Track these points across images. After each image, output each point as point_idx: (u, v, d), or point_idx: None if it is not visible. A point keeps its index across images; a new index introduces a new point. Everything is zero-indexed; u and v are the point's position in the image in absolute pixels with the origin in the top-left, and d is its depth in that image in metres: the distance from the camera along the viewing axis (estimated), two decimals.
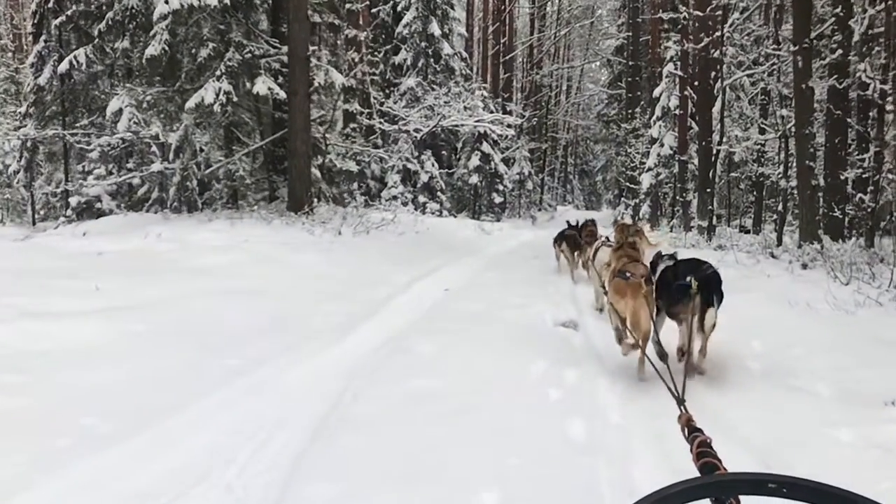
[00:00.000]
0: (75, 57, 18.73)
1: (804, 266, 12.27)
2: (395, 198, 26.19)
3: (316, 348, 6.26)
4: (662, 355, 4.98)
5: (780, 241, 14.11)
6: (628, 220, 14.35)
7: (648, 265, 6.37)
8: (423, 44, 28.31)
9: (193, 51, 17.06)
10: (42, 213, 24.83)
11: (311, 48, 18.87)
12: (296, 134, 16.84)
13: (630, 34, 33.03)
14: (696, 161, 22.18)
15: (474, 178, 28.48)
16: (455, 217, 26.63)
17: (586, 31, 45.44)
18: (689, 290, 5.36)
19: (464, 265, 12.77)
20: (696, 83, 19.87)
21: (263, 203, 18.84)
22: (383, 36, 30.82)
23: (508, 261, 13.96)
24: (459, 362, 5.82)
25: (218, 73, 16.35)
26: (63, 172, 22.59)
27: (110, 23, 17.61)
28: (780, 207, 14.54)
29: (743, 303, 8.25)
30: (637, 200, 28.33)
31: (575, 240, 11.63)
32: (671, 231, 21.54)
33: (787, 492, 0.97)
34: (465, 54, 32.67)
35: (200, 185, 18.10)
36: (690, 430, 1.60)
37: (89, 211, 19.38)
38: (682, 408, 1.91)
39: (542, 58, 42.06)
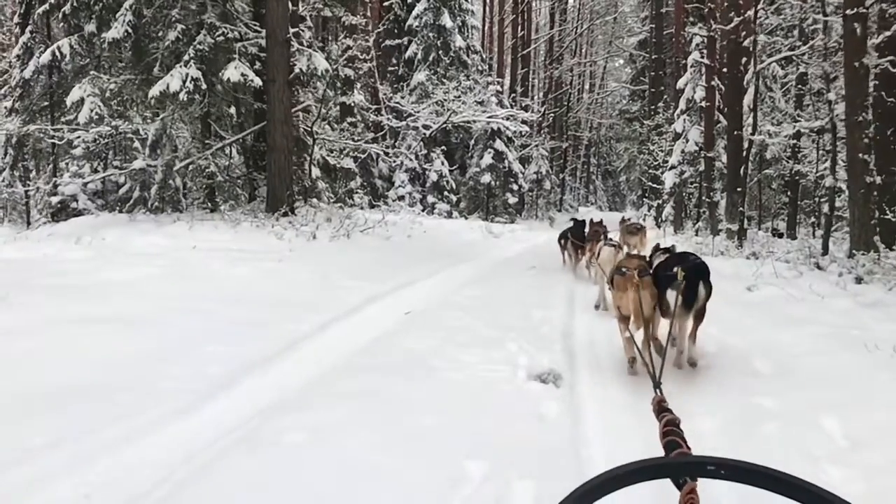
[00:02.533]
0: (59, 48, 16.58)
1: (858, 280, 9.66)
2: (401, 198, 23.83)
3: (123, 434, 3.81)
4: (659, 348, 5.13)
5: (826, 250, 11.43)
6: (633, 220, 12.30)
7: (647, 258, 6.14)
8: (431, 34, 25.86)
9: (161, 34, 14.75)
10: (45, 212, 22.92)
11: (300, 31, 16.54)
12: (275, 126, 14.50)
13: (654, 26, 30.22)
14: (723, 158, 19.49)
15: (487, 177, 25.94)
16: (466, 218, 24.17)
17: (609, 27, 42.56)
18: (674, 280, 5.12)
19: (447, 277, 10.26)
20: (724, 70, 17.14)
21: (256, 202, 16.53)
22: (395, 29, 28.47)
23: (503, 270, 11.44)
24: (334, 470, 3.35)
25: (186, 58, 14.05)
26: (52, 170, 20.67)
27: (76, 4, 15.35)
28: (825, 209, 11.87)
29: (798, 343, 5.69)
30: (660, 201, 25.56)
31: (579, 238, 11.17)
32: (696, 234, 18.87)
33: (725, 473, 1.01)
34: (478, 47, 30.14)
35: (185, 183, 15.92)
36: (661, 410, 1.57)
37: (65, 211, 17.34)
38: (657, 391, 2.01)
39: (562, 53, 39.24)
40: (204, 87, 14.01)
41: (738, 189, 14.87)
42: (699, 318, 5.36)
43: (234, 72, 13.99)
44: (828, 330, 6.11)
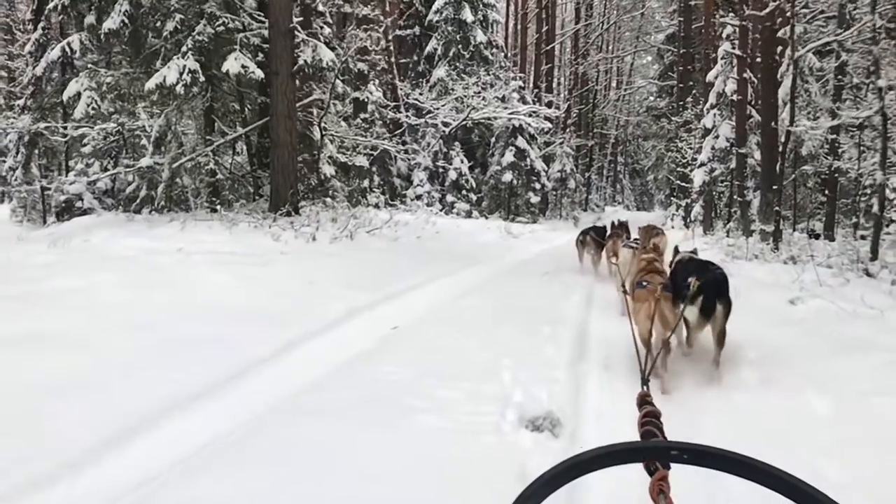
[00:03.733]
0: (69, 44, 15.75)
1: None
2: (419, 197, 22.74)
3: None
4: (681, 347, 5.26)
5: (875, 254, 10.15)
6: (659, 224, 11.59)
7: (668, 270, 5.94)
8: (451, 29, 24.76)
9: (158, 24, 13.81)
10: (51, 211, 22.21)
11: (315, 24, 15.56)
12: (278, 121, 13.52)
13: (682, 19, 28.80)
14: (756, 154, 18.13)
15: (508, 176, 24.71)
16: (486, 218, 23.01)
17: (636, 22, 41.03)
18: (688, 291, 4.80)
19: (450, 283, 9.14)
20: (757, 59, 15.78)
21: (261, 201, 15.54)
22: (416, 25, 27.41)
23: (515, 275, 10.29)
24: None
25: (184, 49, 13.11)
26: (65, 169, 20.00)
27: None
28: (875, 208, 10.59)
29: (861, 375, 4.53)
30: (688, 200, 24.15)
31: (598, 239, 10.75)
32: (727, 236, 17.55)
33: (689, 458, 0.99)
34: (500, 42, 28.94)
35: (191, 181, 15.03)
36: (643, 402, 1.56)
37: (70, 210, 16.57)
38: (644, 386, 1.89)
39: (588, 49, 37.80)
40: (202, 79, 13.08)
41: (775, 187, 13.55)
42: (720, 337, 4.92)
43: (233, 63, 13.03)
44: None
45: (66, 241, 10.02)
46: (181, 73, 12.84)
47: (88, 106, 14.17)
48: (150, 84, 12.95)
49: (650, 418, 1.40)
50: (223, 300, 6.72)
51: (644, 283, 5.09)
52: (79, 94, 14.25)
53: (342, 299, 7.21)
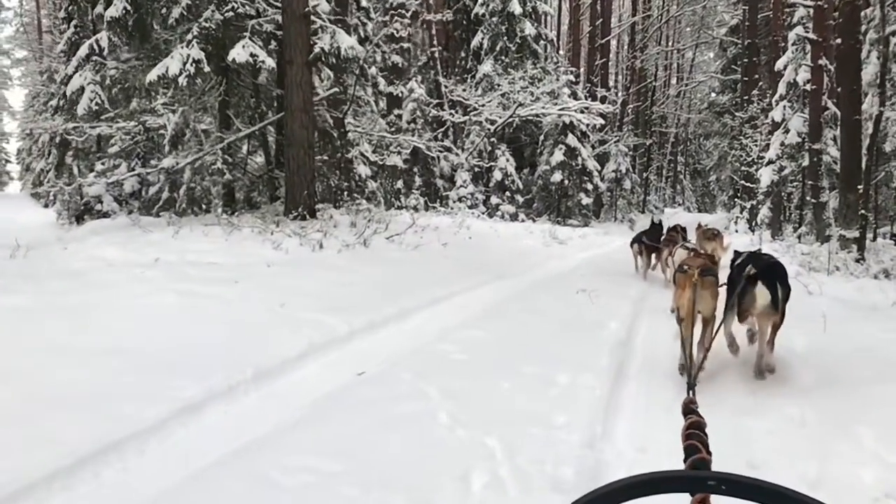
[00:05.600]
0: (97, 41, 14.59)
1: None
2: (462, 199, 21.01)
3: None
4: (733, 347, 4.85)
5: None
6: (710, 226, 10.18)
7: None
8: (494, 19, 22.95)
9: (164, 10, 12.41)
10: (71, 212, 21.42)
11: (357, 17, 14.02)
12: (293, 116, 11.99)
13: (747, 7, 26.31)
14: (833, 150, 15.86)
15: (558, 176, 22.71)
16: (534, 221, 21.13)
17: (697, 16, 38.36)
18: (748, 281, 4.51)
19: (460, 304, 7.33)
20: (836, 41, 13.52)
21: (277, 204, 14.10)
22: (463, 20, 25.68)
23: (544, 293, 8.38)
24: None
25: (189, 37, 11.69)
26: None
27: None
28: None
29: None
30: (754, 202, 21.75)
31: (652, 244, 10.25)
32: (799, 241, 15.29)
33: (726, 489, 0.91)
34: (550, 35, 26.94)
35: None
36: (688, 410, 1.42)
37: (90, 212, 15.49)
38: (689, 392, 1.80)
39: (646, 42, 35.33)
40: (207, 69, 11.62)
41: (858, 187, 11.39)
42: (774, 330, 4.64)
43: (241, 51, 11.51)
44: None
45: (37, 249, 8.63)
46: (184, 64, 11.43)
47: (92, 101, 12.96)
48: (152, 76, 11.58)
49: (695, 430, 1.26)
50: (146, 333, 5.11)
51: (685, 268, 4.91)
52: (82, 89, 13.06)
53: (311, 329, 5.54)
